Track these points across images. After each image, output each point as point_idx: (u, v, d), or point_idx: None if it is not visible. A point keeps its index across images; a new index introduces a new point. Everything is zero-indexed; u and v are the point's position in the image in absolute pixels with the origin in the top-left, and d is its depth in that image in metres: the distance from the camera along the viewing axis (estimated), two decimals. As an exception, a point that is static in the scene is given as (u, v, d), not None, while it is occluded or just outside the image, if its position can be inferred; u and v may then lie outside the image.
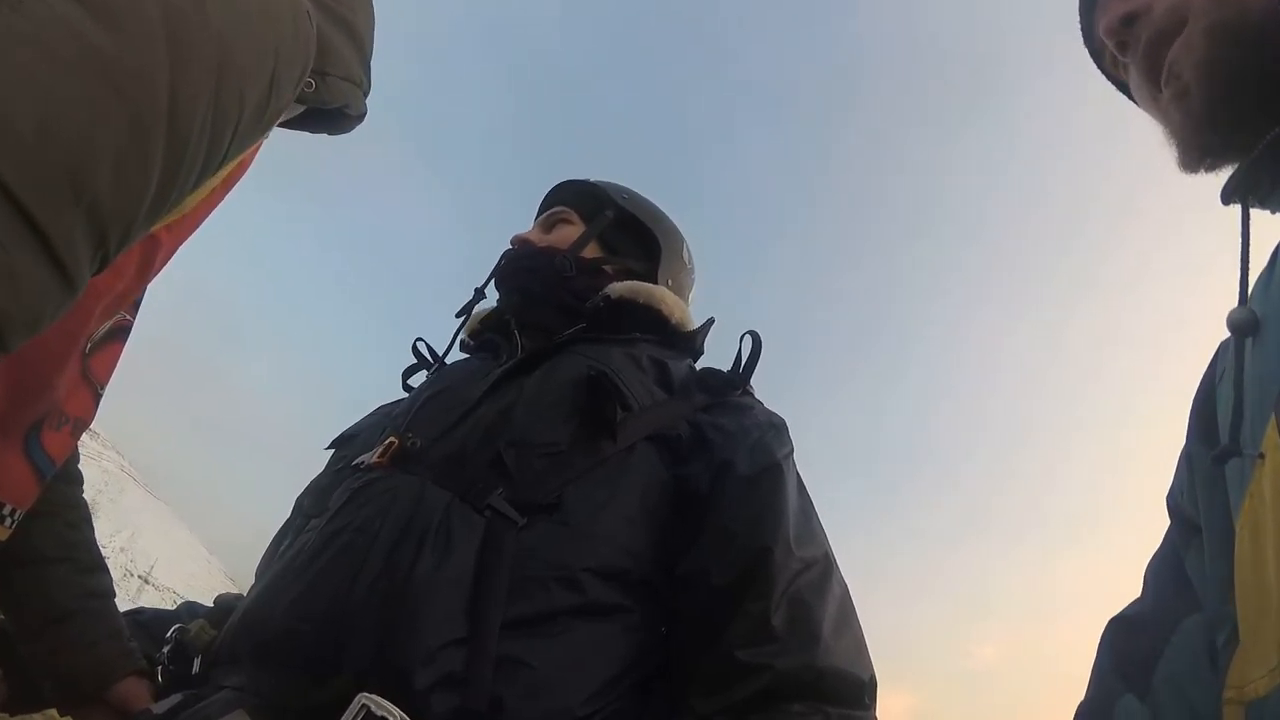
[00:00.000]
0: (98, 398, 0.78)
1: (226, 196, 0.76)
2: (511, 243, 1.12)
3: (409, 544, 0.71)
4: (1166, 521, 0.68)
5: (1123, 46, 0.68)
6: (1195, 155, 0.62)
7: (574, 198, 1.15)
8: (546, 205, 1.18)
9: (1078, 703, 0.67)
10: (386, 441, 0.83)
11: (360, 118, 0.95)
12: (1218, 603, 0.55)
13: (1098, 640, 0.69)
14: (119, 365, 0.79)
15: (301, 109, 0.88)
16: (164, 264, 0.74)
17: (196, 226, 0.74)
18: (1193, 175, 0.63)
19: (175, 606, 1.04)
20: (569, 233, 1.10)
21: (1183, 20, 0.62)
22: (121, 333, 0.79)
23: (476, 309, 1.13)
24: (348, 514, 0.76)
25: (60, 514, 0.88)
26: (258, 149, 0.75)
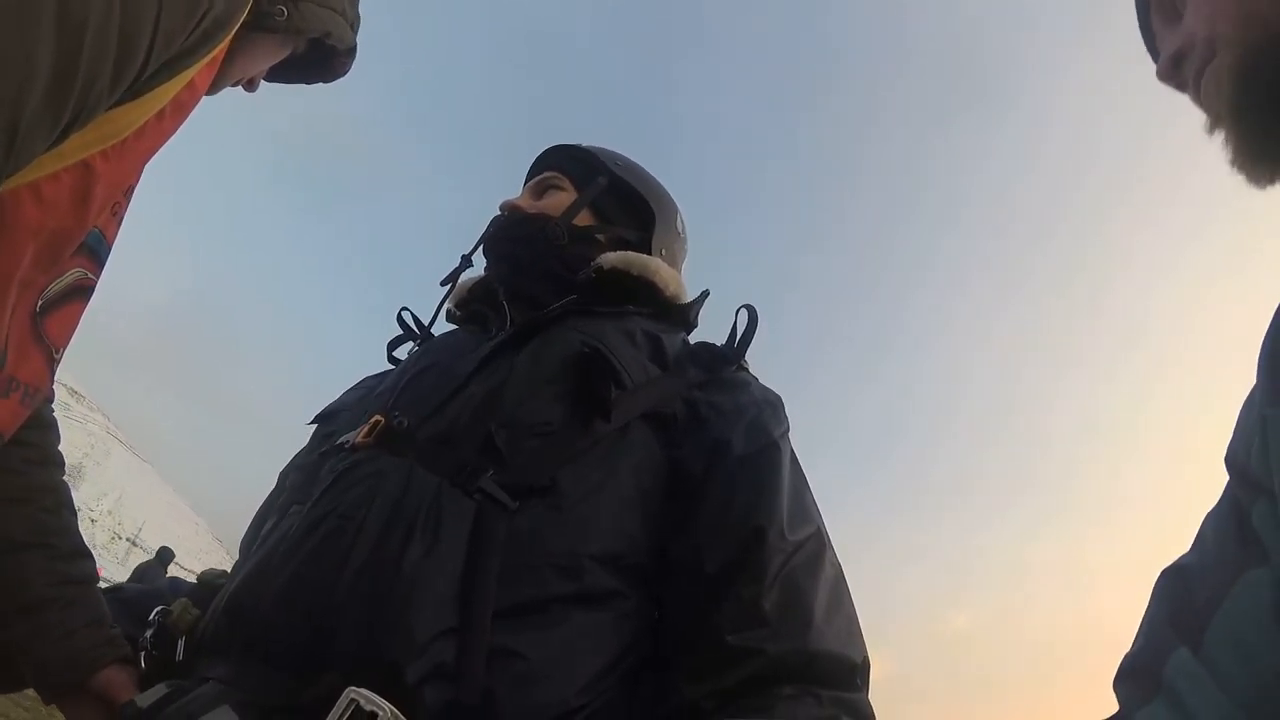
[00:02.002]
0: (53, 363, 0.73)
1: (178, 129, 0.70)
2: (500, 209, 1.07)
3: (397, 531, 0.69)
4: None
5: (1182, 86, 0.66)
6: (1256, 178, 0.61)
7: (566, 163, 1.11)
8: (536, 170, 1.14)
9: (1124, 653, 0.61)
10: (372, 420, 0.81)
11: (350, 53, 0.91)
12: None
13: (1151, 589, 0.64)
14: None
15: (285, 51, 0.83)
16: (108, 201, 0.67)
17: (142, 159, 0.68)
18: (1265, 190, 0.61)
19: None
20: (561, 199, 1.06)
21: (1215, 52, 0.60)
22: (82, 292, 0.73)
23: (464, 278, 1.09)
24: (333, 498, 0.74)
25: (37, 499, 0.84)
26: (210, 71, 0.69)
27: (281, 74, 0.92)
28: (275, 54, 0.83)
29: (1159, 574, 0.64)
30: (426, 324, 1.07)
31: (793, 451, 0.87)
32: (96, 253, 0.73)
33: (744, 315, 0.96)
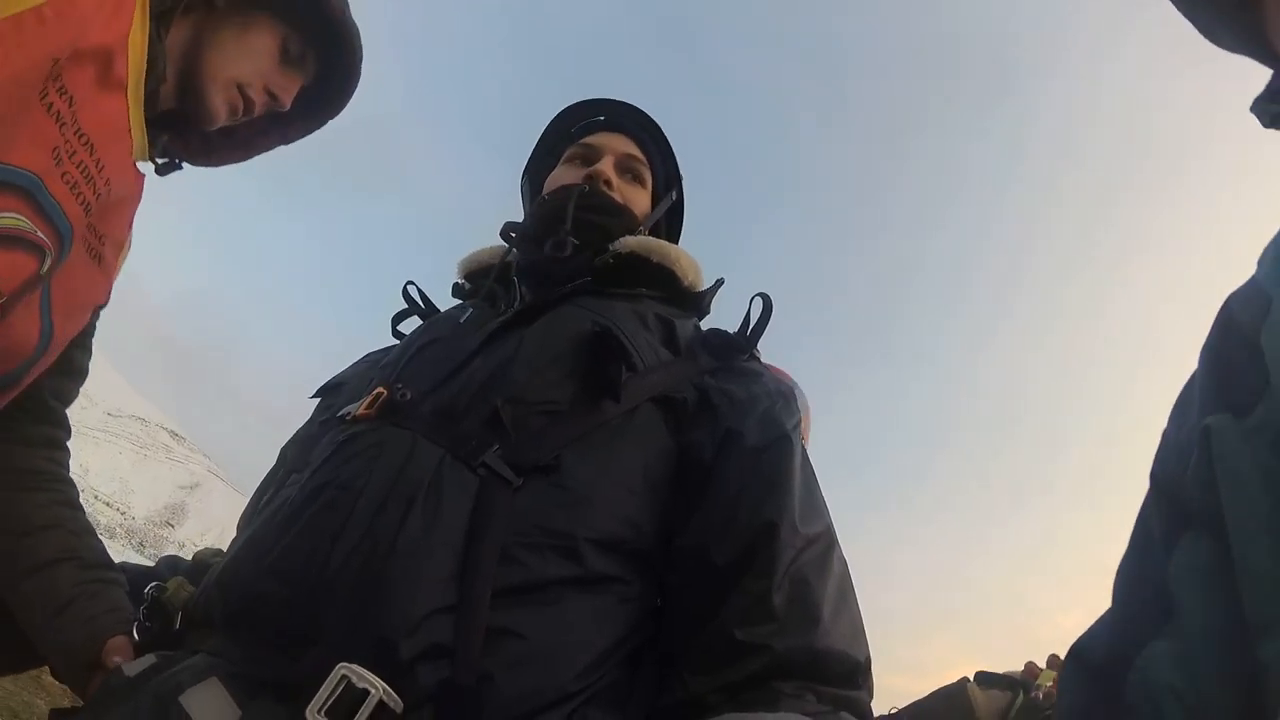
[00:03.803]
0: None
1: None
2: (585, 179, 1.03)
3: (396, 503, 0.68)
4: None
5: None
6: None
7: (653, 150, 1.11)
8: (615, 121, 1.12)
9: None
10: (374, 392, 0.80)
11: (345, 33, 0.95)
12: (1271, 604, 0.41)
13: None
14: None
15: (274, 38, 0.90)
16: None
17: (19, 57, 0.66)
18: None
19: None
20: (642, 198, 1.08)
21: None
22: (21, 244, 0.72)
23: (473, 255, 1.08)
24: (331, 469, 0.73)
25: (65, 524, 0.89)
26: None
27: (307, 106, 1.00)
28: (265, 40, 0.89)
29: (1066, 656, 0.56)
30: (435, 299, 1.06)
31: (803, 446, 0.85)
32: (37, 202, 0.72)
33: (758, 303, 0.95)
